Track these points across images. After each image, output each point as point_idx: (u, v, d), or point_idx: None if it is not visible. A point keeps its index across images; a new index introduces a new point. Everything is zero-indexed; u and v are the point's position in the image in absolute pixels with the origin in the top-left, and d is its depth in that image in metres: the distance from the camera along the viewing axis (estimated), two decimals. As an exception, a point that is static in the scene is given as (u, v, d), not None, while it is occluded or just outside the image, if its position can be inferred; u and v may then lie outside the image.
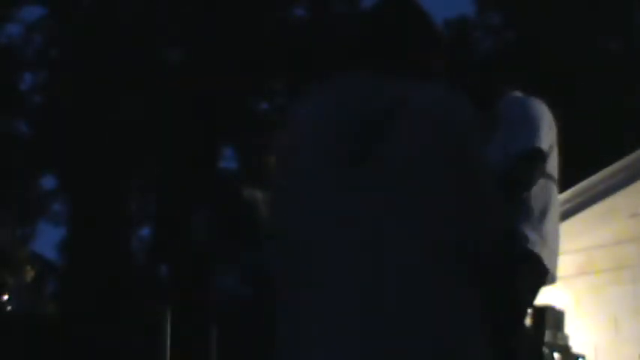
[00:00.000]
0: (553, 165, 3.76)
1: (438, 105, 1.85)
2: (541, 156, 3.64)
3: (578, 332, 6.94)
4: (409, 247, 1.77)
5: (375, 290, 1.76)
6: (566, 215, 7.10)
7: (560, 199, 6.88)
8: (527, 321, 6.42)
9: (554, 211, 3.75)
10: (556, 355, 6.40)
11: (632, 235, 7.11)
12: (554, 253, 3.72)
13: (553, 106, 3.82)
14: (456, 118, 1.85)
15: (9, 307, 7.05)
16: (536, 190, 3.68)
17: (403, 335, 1.74)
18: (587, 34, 17.60)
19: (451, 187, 1.80)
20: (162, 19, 18.68)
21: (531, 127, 3.64)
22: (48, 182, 20.64)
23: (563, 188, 6.99)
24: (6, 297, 6.99)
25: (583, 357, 6.69)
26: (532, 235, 3.60)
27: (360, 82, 1.91)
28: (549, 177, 3.76)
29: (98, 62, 17.02)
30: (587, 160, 9.54)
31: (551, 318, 6.56)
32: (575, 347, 6.70)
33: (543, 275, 3.68)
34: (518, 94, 3.89)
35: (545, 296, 3.70)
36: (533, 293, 3.70)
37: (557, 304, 6.71)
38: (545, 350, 6.37)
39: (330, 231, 1.80)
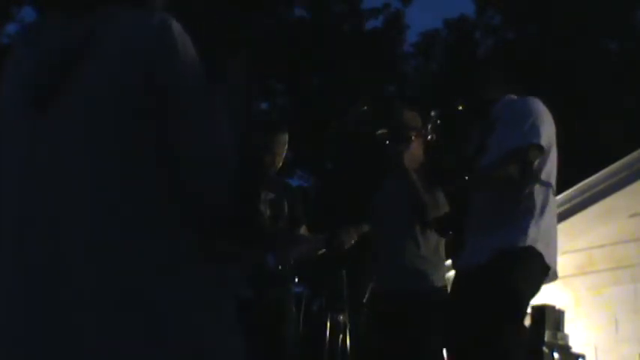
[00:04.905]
0: (552, 163, 3.76)
1: (130, 29, 1.77)
2: (538, 152, 3.64)
3: (578, 332, 6.94)
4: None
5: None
6: (565, 215, 7.09)
7: (560, 199, 6.91)
8: (527, 321, 6.45)
9: (552, 208, 3.74)
10: (556, 354, 6.40)
11: (632, 235, 7.11)
12: (554, 250, 3.71)
13: (552, 107, 3.82)
14: (145, 36, 1.77)
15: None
16: (537, 187, 3.67)
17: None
18: (587, 34, 17.60)
19: (141, 115, 1.69)
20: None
21: (527, 124, 3.63)
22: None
23: (563, 188, 6.99)
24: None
25: (583, 357, 6.68)
26: (532, 232, 3.61)
27: (48, 25, 1.83)
28: (546, 175, 3.75)
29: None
30: (587, 160, 9.54)
31: (551, 318, 6.56)
32: (575, 347, 6.69)
33: (545, 271, 3.67)
34: (512, 96, 3.90)
35: (545, 296, 3.68)
36: (535, 289, 3.69)
37: (557, 304, 6.71)
38: (545, 350, 6.37)
39: (15, 179, 1.72)
